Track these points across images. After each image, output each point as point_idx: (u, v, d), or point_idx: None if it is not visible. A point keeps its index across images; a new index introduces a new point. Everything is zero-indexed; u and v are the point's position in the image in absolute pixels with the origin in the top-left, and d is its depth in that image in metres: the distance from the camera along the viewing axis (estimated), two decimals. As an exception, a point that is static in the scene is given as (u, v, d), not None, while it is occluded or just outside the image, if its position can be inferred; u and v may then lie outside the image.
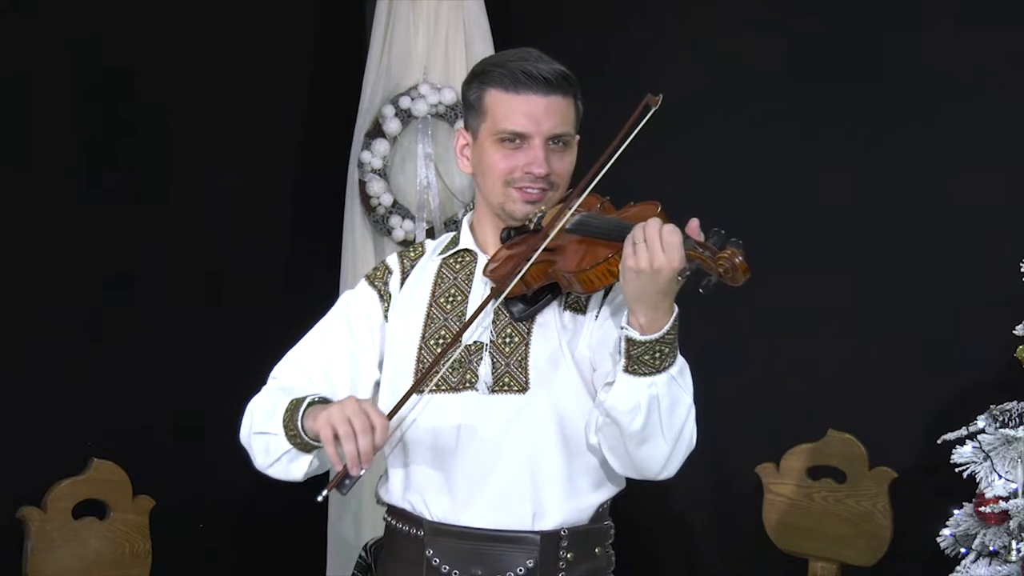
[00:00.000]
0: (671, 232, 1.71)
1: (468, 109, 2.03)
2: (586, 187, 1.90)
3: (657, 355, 1.76)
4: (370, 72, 3.48)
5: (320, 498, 1.82)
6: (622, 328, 1.78)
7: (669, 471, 1.87)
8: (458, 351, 1.95)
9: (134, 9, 3.06)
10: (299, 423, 1.86)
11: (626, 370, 1.77)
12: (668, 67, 3.37)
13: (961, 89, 2.95)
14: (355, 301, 2.09)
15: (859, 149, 3.10)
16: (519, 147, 1.95)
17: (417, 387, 1.92)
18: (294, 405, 1.89)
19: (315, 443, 1.85)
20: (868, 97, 3.08)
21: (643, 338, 1.75)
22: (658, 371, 1.76)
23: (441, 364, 1.94)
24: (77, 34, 2.94)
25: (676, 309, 1.78)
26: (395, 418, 1.92)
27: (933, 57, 2.99)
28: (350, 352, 2.03)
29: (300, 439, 1.87)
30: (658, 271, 1.70)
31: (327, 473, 1.91)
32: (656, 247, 1.70)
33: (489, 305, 1.94)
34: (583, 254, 1.84)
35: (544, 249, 1.89)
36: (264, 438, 1.94)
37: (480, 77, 1.99)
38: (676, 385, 1.79)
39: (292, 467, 1.93)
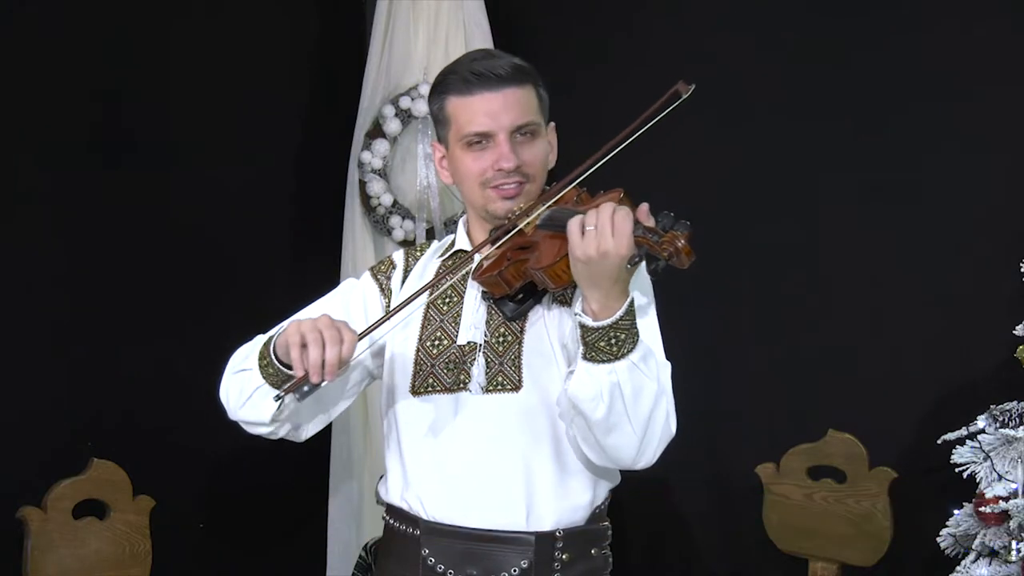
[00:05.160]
0: (622, 218, 1.71)
1: (435, 121, 2.05)
2: (571, 181, 1.90)
3: (613, 341, 1.75)
4: (370, 72, 3.48)
5: (275, 398, 1.84)
6: (576, 315, 1.78)
7: (646, 460, 1.86)
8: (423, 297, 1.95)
9: (134, 9, 3.06)
10: (272, 344, 1.87)
11: (584, 357, 1.77)
12: (669, 65, 3.36)
13: (961, 88, 2.95)
14: (356, 288, 2.12)
15: (859, 149, 3.09)
16: (486, 147, 1.96)
17: (390, 316, 1.92)
18: (271, 336, 1.91)
19: (286, 368, 1.84)
20: (868, 97, 3.08)
21: (596, 324, 1.75)
22: (616, 357, 1.76)
23: (414, 299, 1.93)
24: (78, 32, 2.94)
25: (630, 295, 1.77)
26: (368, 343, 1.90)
27: (933, 56, 2.99)
28: None
29: (272, 366, 1.86)
30: (604, 255, 1.70)
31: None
32: (606, 233, 1.70)
33: (475, 301, 1.97)
34: (552, 249, 1.83)
35: (522, 247, 1.89)
36: (239, 377, 1.95)
37: (438, 88, 2.01)
38: (639, 371, 1.78)
39: (262, 405, 1.90)
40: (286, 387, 1.83)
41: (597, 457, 1.88)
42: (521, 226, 1.90)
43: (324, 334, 1.77)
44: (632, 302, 1.77)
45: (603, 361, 1.76)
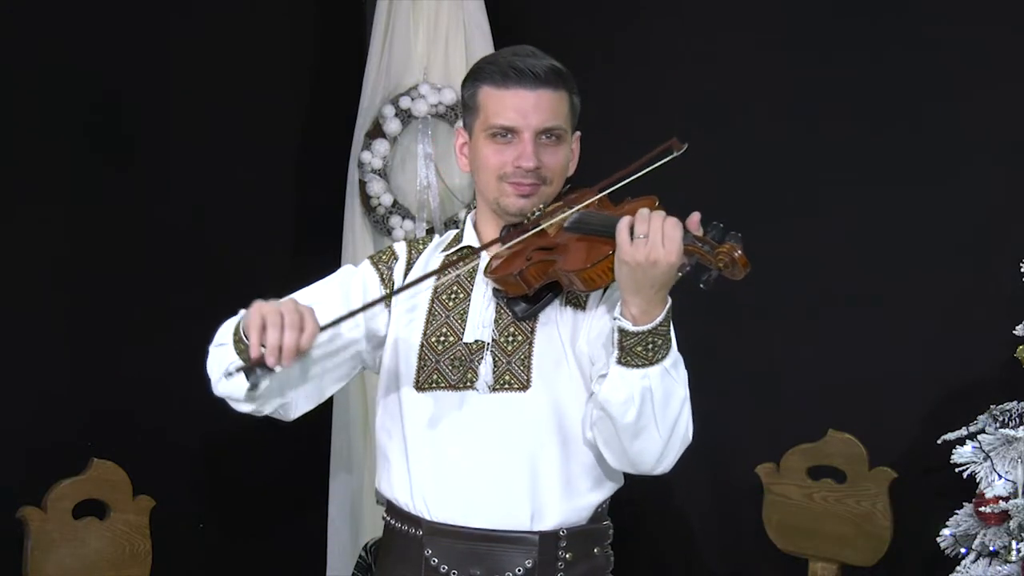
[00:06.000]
0: (673, 227, 1.71)
1: (464, 107, 2.05)
2: (587, 199, 1.91)
3: (650, 346, 1.76)
4: (370, 72, 3.48)
5: (226, 375, 1.81)
6: (615, 319, 1.78)
7: (665, 465, 1.86)
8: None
9: (134, 9, 3.06)
10: (241, 320, 1.84)
11: (619, 362, 1.77)
12: (669, 67, 3.37)
13: (961, 88, 2.95)
14: (356, 274, 2.09)
15: (859, 149, 3.09)
16: (510, 142, 1.96)
17: (366, 307, 1.93)
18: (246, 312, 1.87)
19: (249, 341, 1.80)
20: (869, 97, 3.08)
21: (636, 329, 1.75)
22: (651, 363, 1.76)
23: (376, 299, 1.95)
24: (78, 32, 2.94)
25: (669, 301, 1.78)
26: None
27: (932, 56, 2.99)
28: (336, 314, 2.02)
29: (241, 343, 1.82)
30: (654, 264, 1.71)
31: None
32: (656, 241, 1.70)
33: (484, 299, 1.97)
34: (583, 252, 1.84)
35: (544, 248, 1.89)
36: (218, 351, 1.93)
37: (474, 75, 2.01)
38: (670, 377, 1.79)
39: (236, 381, 1.85)
40: (238, 367, 1.79)
41: (618, 461, 1.88)
42: (544, 226, 1.90)
43: (285, 318, 1.74)
44: (671, 308, 1.77)
45: (637, 366, 1.76)
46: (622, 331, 1.76)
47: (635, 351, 1.76)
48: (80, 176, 2.98)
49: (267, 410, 1.96)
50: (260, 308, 1.76)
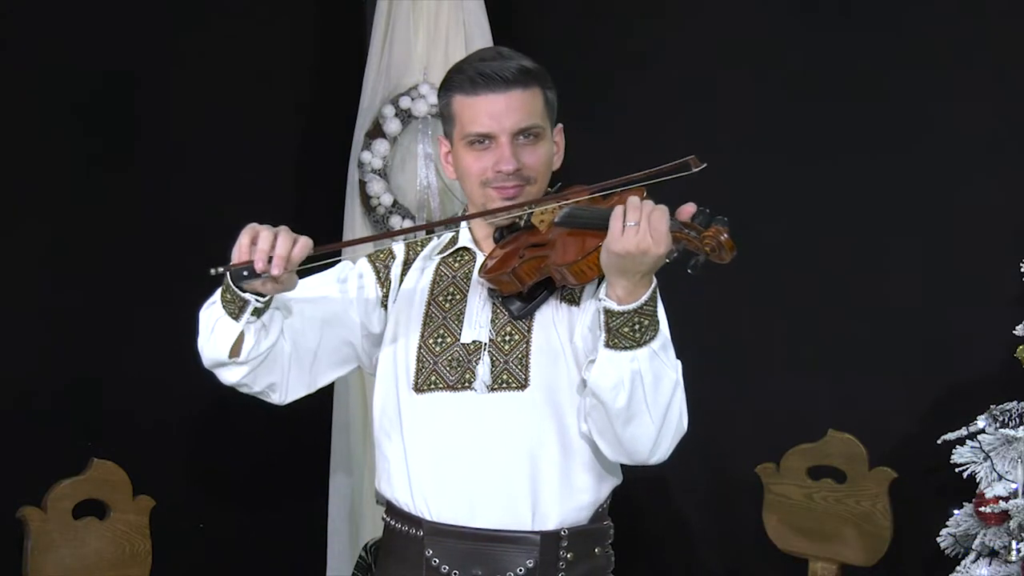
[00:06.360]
0: (661, 215, 1.72)
1: (442, 118, 2.06)
2: (581, 195, 1.91)
3: (637, 327, 1.76)
4: (370, 72, 3.48)
5: (212, 271, 1.82)
6: (600, 300, 1.78)
7: (660, 454, 1.86)
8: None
9: (134, 9, 3.06)
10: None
11: (607, 344, 1.78)
12: (668, 68, 3.37)
13: (961, 89, 2.95)
14: (353, 268, 2.10)
15: (859, 148, 3.09)
16: (487, 147, 1.97)
17: (359, 241, 1.98)
18: None
19: (239, 289, 1.82)
20: (869, 97, 3.08)
21: (621, 308, 1.75)
22: (639, 344, 1.76)
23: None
24: (79, 33, 2.94)
25: (655, 281, 1.78)
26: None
27: (932, 58, 2.99)
28: (330, 303, 2.04)
29: (230, 290, 1.84)
30: (644, 252, 1.71)
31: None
32: (646, 229, 1.71)
33: (480, 299, 1.98)
34: (573, 246, 1.85)
35: (536, 245, 1.90)
36: (207, 312, 1.92)
37: (445, 85, 2.02)
38: (659, 360, 1.79)
39: (220, 339, 1.88)
40: (226, 266, 1.81)
41: (613, 451, 1.88)
42: (535, 210, 1.91)
43: (279, 233, 1.79)
44: (656, 287, 1.78)
45: (625, 348, 1.76)
46: (608, 312, 1.76)
47: (622, 332, 1.76)
48: (80, 176, 2.98)
49: (257, 387, 1.96)
50: (255, 226, 1.81)
